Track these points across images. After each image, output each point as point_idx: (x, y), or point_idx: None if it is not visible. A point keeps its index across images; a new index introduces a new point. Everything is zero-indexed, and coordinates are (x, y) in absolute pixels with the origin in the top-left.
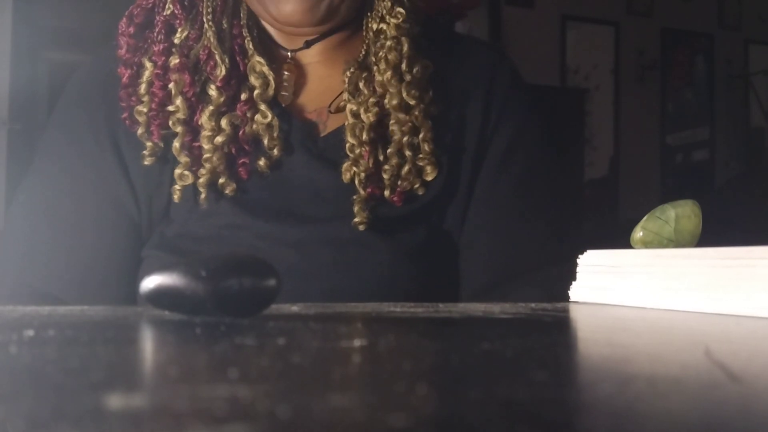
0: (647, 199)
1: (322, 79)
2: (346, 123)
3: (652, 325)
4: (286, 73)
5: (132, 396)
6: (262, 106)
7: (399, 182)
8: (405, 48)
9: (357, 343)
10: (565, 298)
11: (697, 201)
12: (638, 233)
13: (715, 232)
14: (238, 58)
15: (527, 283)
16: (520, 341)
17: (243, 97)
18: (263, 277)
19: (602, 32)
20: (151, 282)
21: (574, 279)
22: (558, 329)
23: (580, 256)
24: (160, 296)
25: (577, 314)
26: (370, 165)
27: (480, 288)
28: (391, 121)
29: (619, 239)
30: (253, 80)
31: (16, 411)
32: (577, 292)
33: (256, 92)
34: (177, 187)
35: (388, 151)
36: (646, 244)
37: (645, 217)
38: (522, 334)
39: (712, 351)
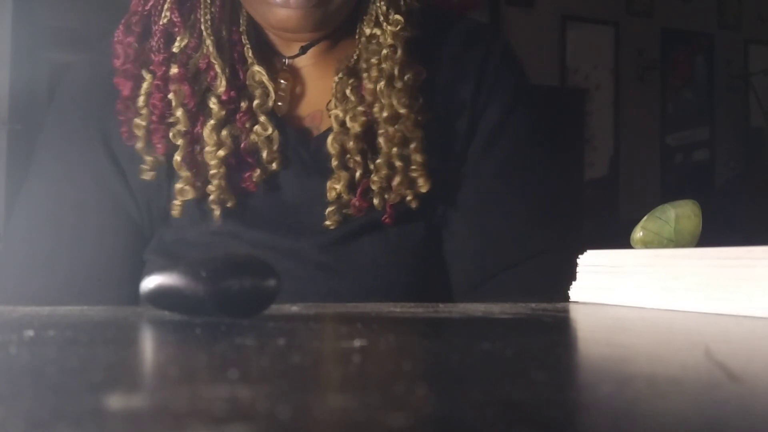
0: (647, 199)
1: (316, 81)
2: (332, 131)
3: (652, 325)
4: (282, 81)
5: (132, 396)
6: (262, 118)
7: (387, 195)
8: (398, 54)
9: (357, 343)
10: (552, 292)
11: (697, 201)
12: (638, 233)
13: (715, 232)
14: (237, 66)
15: (512, 278)
16: (520, 341)
17: (243, 106)
18: (263, 278)
19: (602, 32)
20: (151, 282)
21: (564, 272)
22: (558, 329)
23: (580, 255)
24: (160, 296)
25: (577, 314)
26: (357, 176)
27: (468, 284)
28: (380, 131)
29: (619, 239)
30: (253, 90)
31: (16, 411)
32: (577, 292)
33: (255, 103)
34: (177, 202)
35: (377, 161)
36: (646, 244)
37: (645, 217)
38: (522, 334)
39: (712, 351)
